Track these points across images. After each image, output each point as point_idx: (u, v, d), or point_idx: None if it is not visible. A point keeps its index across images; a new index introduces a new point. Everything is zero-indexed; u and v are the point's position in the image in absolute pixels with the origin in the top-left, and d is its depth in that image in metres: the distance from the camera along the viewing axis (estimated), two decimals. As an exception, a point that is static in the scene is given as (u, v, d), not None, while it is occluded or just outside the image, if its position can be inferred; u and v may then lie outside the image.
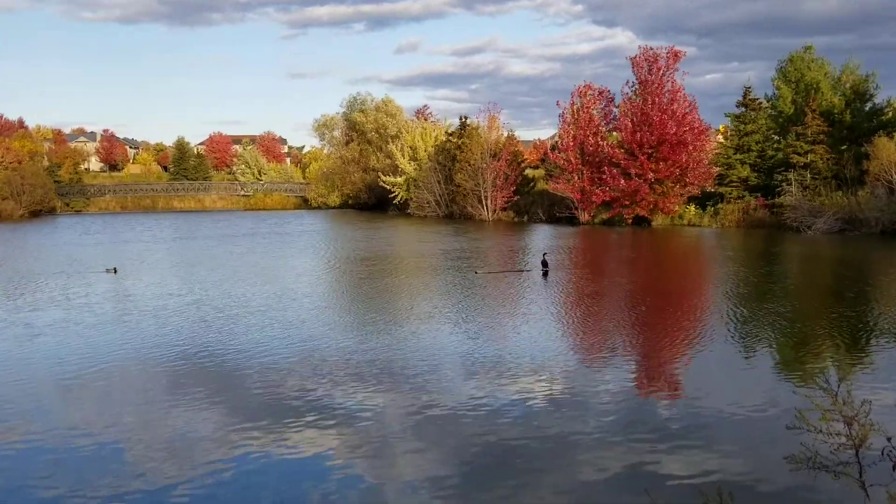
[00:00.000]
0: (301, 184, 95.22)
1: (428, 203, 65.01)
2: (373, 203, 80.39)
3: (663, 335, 15.80)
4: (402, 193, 69.39)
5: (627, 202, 48.55)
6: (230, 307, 19.57)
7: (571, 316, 18.27)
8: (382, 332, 16.33)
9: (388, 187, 69.86)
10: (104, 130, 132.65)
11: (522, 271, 26.48)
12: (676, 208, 48.98)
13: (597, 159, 50.95)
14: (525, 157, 70.20)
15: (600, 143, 50.65)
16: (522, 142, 79.48)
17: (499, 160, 58.59)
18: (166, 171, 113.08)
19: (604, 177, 48.98)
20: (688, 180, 48.24)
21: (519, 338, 15.65)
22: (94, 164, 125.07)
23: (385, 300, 20.86)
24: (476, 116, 64.35)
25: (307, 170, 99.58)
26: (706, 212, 48.80)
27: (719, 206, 48.42)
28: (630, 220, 49.07)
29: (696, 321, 17.30)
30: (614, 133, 53.99)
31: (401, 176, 69.25)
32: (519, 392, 11.82)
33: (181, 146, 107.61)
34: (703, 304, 19.48)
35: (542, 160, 69.43)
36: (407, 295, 21.77)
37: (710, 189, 49.57)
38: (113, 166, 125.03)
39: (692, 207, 49.36)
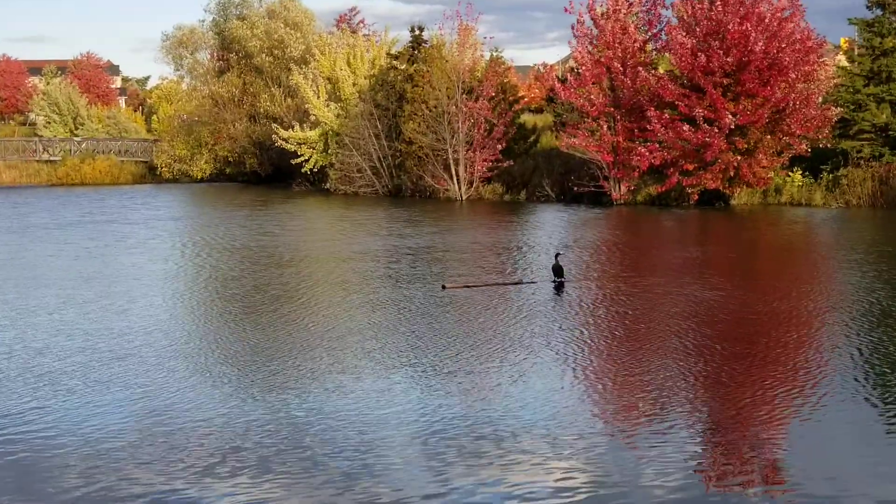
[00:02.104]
0: (144, 141, 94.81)
1: (360, 173, 65.09)
2: (267, 173, 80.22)
3: (754, 389, 15.94)
4: (315, 157, 69.37)
5: (690, 166, 48.92)
6: (51, 348, 19.57)
7: (603, 359, 18.41)
8: (294, 387, 16.32)
9: (291, 147, 69.65)
10: None
11: (520, 284, 26.58)
12: (770, 176, 49.48)
13: (637, 97, 51.28)
14: (521, 93, 70.50)
15: (642, 71, 51.01)
16: (516, 68, 79.78)
17: (477, 99, 58.84)
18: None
19: (650, 126, 49.31)
20: (788, 129, 48.68)
21: (518, 395, 15.71)
22: None
23: (298, 335, 20.85)
24: (438, 26, 64.61)
25: (154, 117, 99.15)
26: (819, 182, 49.33)
27: (841, 172, 49.01)
28: (696, 197, 49.48)
29: (808, 366, 17.50)
30: (666, 55, 54.33)
31: (314, 128, 69.15)
32: (520, 487, 11.85)
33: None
34: (821, 339, 19.74)
35: (549, 99, 69.83)
36: (333, 326, 21.71)
37: (824, 144, 50.11)
38: None
39: (796, 174, 49.93)
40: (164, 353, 19.09)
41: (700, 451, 13.24)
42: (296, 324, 22.11)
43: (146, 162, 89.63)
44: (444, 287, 26.03)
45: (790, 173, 50.15)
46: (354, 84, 67.75)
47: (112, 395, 16.11)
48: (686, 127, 47.85)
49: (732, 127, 47.47)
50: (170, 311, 24.31)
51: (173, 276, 30.83)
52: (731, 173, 48.85)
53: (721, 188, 49.46)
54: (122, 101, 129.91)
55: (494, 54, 62.78)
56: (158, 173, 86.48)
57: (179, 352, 19.27)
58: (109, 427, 14.45)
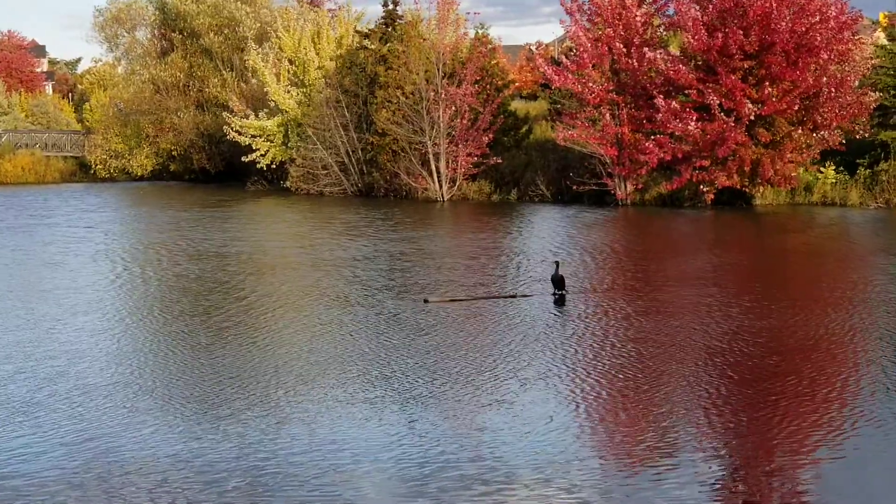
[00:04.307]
0: (75, 133, 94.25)
1: (325, 169, 64.85)
2: (218, 170, 79.91)
3: (786, 423, 15.97)
4: (273, 152, 68.98)
5: (706, 162, 48.86)
6: (23, 372, 19.80)
7: (613, 387, 18.40)
8: (247, 422, 16.31)
9: (245, 141, 69.25)
10: None
11: (514, 297, 26.60)
12: (794, 174, 49.30)
13: (644, 83, 51.22)
14: (511, 77, 70.32)
15: (648, 51, 50.95)
16: (505, 48, 79.66)
17: (460, 84, 58.74)
18: None
19: (659, 115, 49.24)
20: (819, 119, 48.68)
21: (515, 428, 15.73)
22: None
23: (272, 358, 20.86)
24: (415, 0, 64.53)
25: (86, 106, 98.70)
26: (856, 178, 49.28)
27: (880, 167, 49.05)
28: (712, 197, 49.41)
29: (849, 396, 17.52)
30: (676, 33, 54.21)
31: (271, 117, 68.89)
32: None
33: None
34: (863, 364, 19.71)
35: (544, 85, 69.81)
36: (294, 347, 21.78)
37: (861, 135, 50.11)
38: None
39: (829, 170, 49.86)
40: (142, 382, 19.10)
41: (715, 485, 13.38)
42: (272, 344, 22.26)
43: (77, 157, 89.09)
44: (426, 301, 26.01)
45: (822, 169, 50.06)
46: (318, 67, 67.47)
47: (82, 434, 16.04)
48: (695, 121, 47.62)
49: (752, 117, 47.40)
50: (147, 329, 24.48)
51: (144, 288, 31.12)
52: (752, 171, 48.69)
53: (741, 187, 49.38)
54: (48, 86, 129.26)
55: (480, 32, 62.63)
56: (93, 171, 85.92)
57: (158, 381, 19.25)
58: (65, 470, 14.44)
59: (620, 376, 18.87)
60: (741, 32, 47.29)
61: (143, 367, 20.33)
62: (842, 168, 49.87)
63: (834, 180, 49.72)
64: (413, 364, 19.83)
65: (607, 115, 51.96)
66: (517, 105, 67.49)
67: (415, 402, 17.24)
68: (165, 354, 21.47)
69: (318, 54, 67.95)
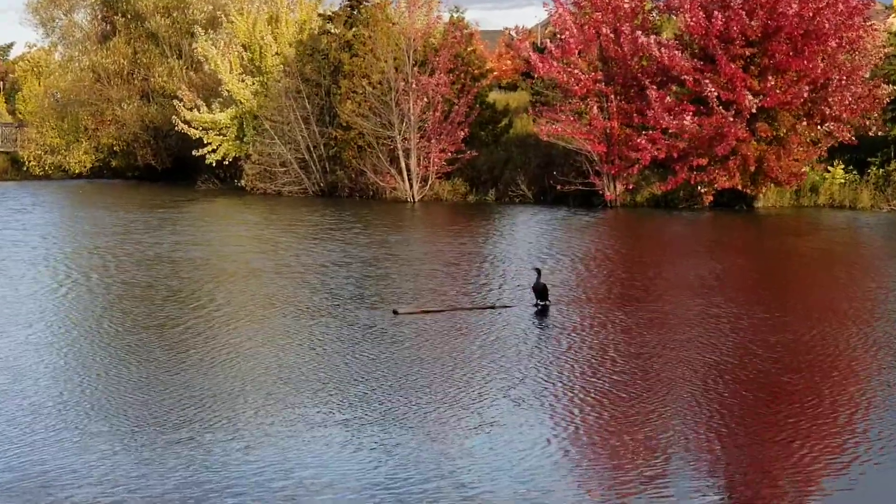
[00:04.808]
0: (6, 126, 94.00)
1: (284, 167, 64.86)
2: (165, 167, 79.82)
3: (807, 441, 15.99)
4: (226, 147, 68.79)
5: (703, 160, 48.92)
6: None
7: (601, 409, 18.33)
8: (210, 447, 16.21)
9: (195, 133, 69.02)
10: None
11: (492, 308, 26.66)
12: (804, 171, 49.42)
13: (635, 72, 51.27)
14: (489, 65, 70.42)
15: (641, 36, 50.97)
16: (483, 34, 79.74)
17: (432, 73, 58.75)
18: None
19: (652, 109, 49.24)
20: (828, 112, 48.75)
21: (505, 454, 15.70)
22: None
23: (215, 377, 20.71)
24: (383, -20, 64.50)
25: (19, 96, 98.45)
26: (867, 178, 49.40)
27: (892, 166, 49.14)
28: (710, 199, 49.47)
29: (876, 412, 17.57)
30: (672, 17, 54.32)
31: (224, 109, 68.67)
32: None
33: None
34: (878, 384, 19.76)
35: (525, 74, 69.87)
36: (260, 363, 21.69)
37: (874, 132, 50.20)
38: None
39: (837, 169, 50.01)
40: (93, 402, 18.99)
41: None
42: (235, 359, 22.16)
43: (8, 153, 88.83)
44: (396, 312, 26.00)
45: (829, 168, 50.25)
46: (276, 54, 67.37)
47: (29, 461, 15.88)
48: (690, 116, 47.57)
49: (754, 110, 47.44)
50: (97, 343, 24.31)
51: (91, 298, 31.11)
52: (754, 170, 48.75)
53: (742, 188, 49.43)
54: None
55: (454, 16, 62.82)
56: (26, 168, 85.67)
57: (111, 401, 19.10)
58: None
59: (622, 396, 18.81)
60: (744, 14, 47.22)
61: (94, 385, 20.25)
62: (851, 167, 50.04)
63: (843, 180, 49.91)
64: (392, 382, 19.76)
65: (595, 107, 51.97)
66: (495, 96, 67.63)
67: (395, 425, 17.14)
68: (118, 371, 21.32)
69: (275, 39, 67.80)
